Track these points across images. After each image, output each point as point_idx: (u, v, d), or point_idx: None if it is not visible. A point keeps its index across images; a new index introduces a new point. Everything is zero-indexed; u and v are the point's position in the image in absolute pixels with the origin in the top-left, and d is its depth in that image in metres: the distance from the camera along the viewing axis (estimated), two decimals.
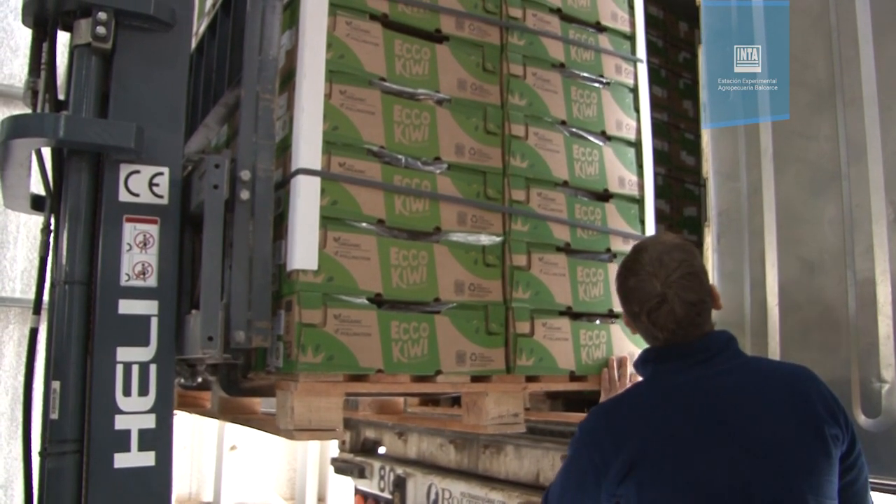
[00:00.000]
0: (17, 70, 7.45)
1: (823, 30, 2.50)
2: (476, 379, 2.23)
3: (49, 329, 1.96)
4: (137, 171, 1.96)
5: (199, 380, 2.32)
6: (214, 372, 2.22)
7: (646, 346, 1.71)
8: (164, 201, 1.98)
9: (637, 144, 2.76)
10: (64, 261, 1.91)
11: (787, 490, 1.44)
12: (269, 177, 2.02)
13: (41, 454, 1.88)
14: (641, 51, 2.86)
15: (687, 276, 1.59)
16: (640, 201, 2.72)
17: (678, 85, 4.83)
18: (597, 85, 2.70)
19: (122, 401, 1.87)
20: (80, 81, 1.97)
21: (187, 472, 8.24)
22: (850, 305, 2.32)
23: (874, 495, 1.64)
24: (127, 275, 1.92)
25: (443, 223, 2.23)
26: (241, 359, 2.10)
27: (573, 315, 2.46)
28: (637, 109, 2.80)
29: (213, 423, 8.24)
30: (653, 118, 2.88)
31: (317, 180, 2.04)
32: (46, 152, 2.15)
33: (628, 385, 2.43)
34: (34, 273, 7.36)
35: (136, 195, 1.96)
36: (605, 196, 2.64)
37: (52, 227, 2.05)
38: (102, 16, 1.92)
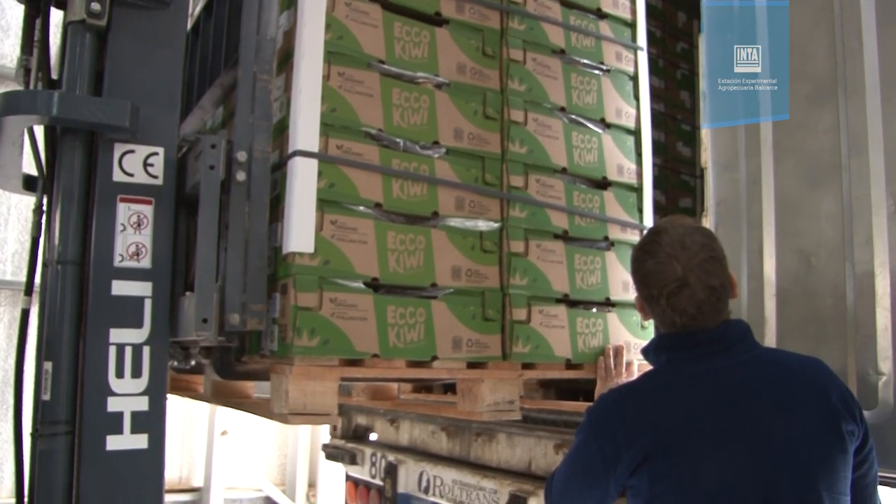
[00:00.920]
0: (8, 49, 7.37)
1: (826, 20, 2.48)
2: (472, 365, 2.22)
3: (41, 310, 1.94)
4: (132, 151, 1.93)
5: (193, 363, 2.30)
6: (208, 355, 2.20)
7: (644, 335, 1.69)
8: (159, 182, 1.96)
9: (636, 133, 2.75)
10: (57, 241, 1.89)
11: (805, 487, 1.43)
12: (265, 158, 2.00)
13: (33, 435, 1.86)
14: (642, 39, 2.84)
15: (709, 261, 1.55)
16: (638, 190, 2.71)
17: (675, 75, 4.81)
18: (597, 72, 2.68)
19: (114, 383, 1.86)
20: (74, 59, 1.94)
21: (178, 457, 8.22)
22: (848, 297, 2.31)
23: (887, 490, 1.64)
24: (121, 255, 1.90)
25: (441, 208, 2.22)
26: (235, 342, 2.09)
27: (570, 303, 2.45)
28: (637, 97, 2.78)
29: (203, 409, 8.22)
30: (650, 108, 2.87)
31: (314, 162, 2.01)
32: (38, 132, 2.12)
33: (624, 374, 2.42)
34: (25, 255, 7.36)
35: (131, 175, 1.93)
36: (603, 184, 2.63)
37: (45, 208, 2.02)
38: None
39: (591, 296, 2.50)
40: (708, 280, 1.54)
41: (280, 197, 2.04)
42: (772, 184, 2.58)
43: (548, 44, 2.55)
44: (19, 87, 2.23)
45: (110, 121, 1.86)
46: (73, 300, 1.87)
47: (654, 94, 4.08)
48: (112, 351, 1.86)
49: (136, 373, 1.88)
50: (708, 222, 2.77)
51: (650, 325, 2.53)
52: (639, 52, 2.81)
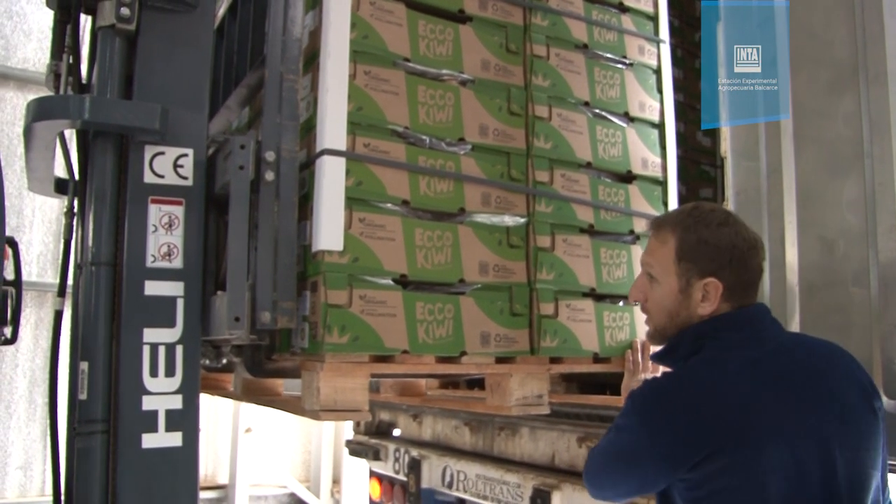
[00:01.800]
0: (30, 54, 7.44)
1: (846, 5, 2.46)
2: (500, 360, 2.23)
3: (74, 311, 1.97)
4: (162, 153, 1.96)
5: (224, 361, 2.33)
6: (239, 353, 2.23)
7: None
8: (189, 182, 1.98)
9: (660, 126, 2.74)
10: (90, 243, 1.92)
11: (856, 469, 1.45)
12: (293, 158, 2.02)
13: (69, 434, 1.89)
14: (664, 31, 2.83)
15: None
16: (663, 183, 2.70)
17: (694, 65, 4.77)
18: (620, 66, 2.68)
19: (149, 381, 1.89)
20: (104, 63, 1.98)
21: (203, 455, 8.28)
22: (871, 286, 2.30)
23: (892, 477, 1.64)
24: (153, 256, 1.92)
25: (467, 204, 2.22)
26: (266, 340, 2.10)
27: (597, 297, 2.45)
28: (660, 90, 2.77)
29: (228, 406, 8.28)
30: None
31: (342, 161, 2.03)
32: (68, 135, 2.15)
33: (651, 368, 2.41)
34: (50, 257, 7.47)
35: (161, 176, 1.96)
36: (628, 178, 2.62)
37: (76, 210, 2.05)
38: None
39: (617, 289, 2.50)
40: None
41: (308, 195, 2.06)
42: (792, 172, 2.56)
43: (571, 39, 2.55)
44: (42, 92, 2.26)
45: (141, 123, 1.89)
46: (106, 301, 1.90)
47: (674, 85, 4.06)
48: (146, 350, 1.89)
49: (170, 371, 1.91)
50: None
51: None
52: (661, 46, 2.80)
